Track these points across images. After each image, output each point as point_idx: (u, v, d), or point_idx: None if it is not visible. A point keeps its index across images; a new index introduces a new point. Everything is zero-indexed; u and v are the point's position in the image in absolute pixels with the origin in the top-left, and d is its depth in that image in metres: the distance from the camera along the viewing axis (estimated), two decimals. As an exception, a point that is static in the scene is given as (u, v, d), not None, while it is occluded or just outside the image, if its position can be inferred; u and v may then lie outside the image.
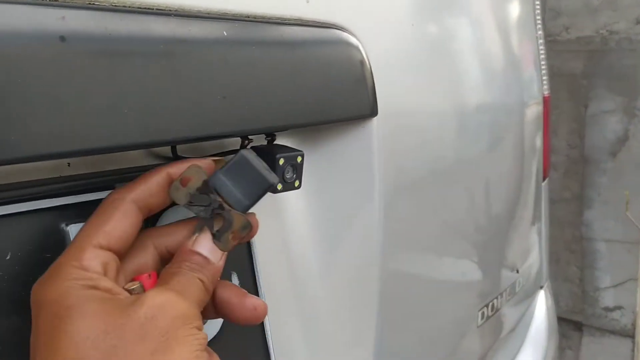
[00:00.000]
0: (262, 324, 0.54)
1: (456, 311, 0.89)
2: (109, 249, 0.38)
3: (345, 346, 0.66)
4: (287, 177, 0.53)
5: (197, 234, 0.43)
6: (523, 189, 1.18)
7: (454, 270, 0.88)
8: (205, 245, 0.42)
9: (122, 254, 0.40)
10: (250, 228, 0.44)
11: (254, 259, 0.55)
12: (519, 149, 1.14)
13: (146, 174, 0.43)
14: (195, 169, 0.43)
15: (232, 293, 0.44)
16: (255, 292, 0.55)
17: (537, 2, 1.18)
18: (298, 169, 0.53)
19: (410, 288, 0.75)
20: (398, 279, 0.71)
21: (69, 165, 0.46)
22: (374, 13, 0.65)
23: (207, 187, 0.43)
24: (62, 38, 0.36)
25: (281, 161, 0.51)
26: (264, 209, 0.58)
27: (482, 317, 0.95)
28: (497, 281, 1.03)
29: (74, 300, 0.35)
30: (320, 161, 0.62)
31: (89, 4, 0.39)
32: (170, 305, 0.36)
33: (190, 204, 0.43)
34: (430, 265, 0.81)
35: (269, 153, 0.52)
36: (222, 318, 0.45)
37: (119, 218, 0.39)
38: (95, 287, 0.36)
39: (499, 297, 1.00)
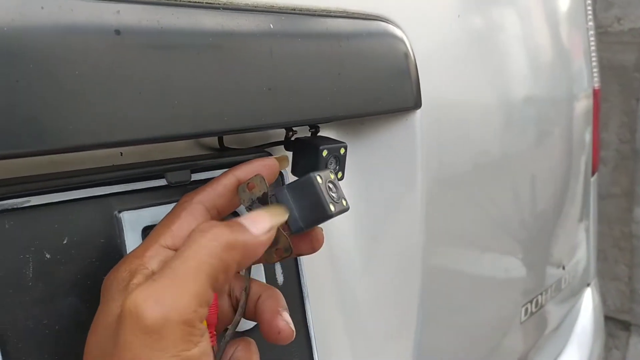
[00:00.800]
0: (305, 315, 0.54)
1: (498, 307, 0.88)
2: (174, 248, 0.39)
3: (386, 339, 0.67)
4: (331, 168, 0.53)
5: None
6: (571, 184, 1.15)
7: (497, 265, 0.87)
8: (250, 216, 0.40)
9: None
10: (290, 252, 0.44)
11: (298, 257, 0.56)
12: (567, 143, 1.12)
13: (216, 177, 0.44)
14: (259, 178, 0.44)
15: (269, 307, 0.43)
16: (298, 285, 0.55)
17: (588, -7, 1.15)
18: (341, 161, 0.54)
19: (451, 283, 0.75)
20: (440, 274, 0.71)
21: (121, 155, 0.48)
22: (419, 5, 0.65)
23: (266, 199, 0.44)
24: (117, 31, 0.38)
25: (324, 153, 0.52)
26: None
27: (526, 314, 0.93)
28: (542, 277, 1.01)
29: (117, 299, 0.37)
30: (363, 153, 0.62)
31: (142, -2, 0.40)
32: (142, 311, 0.33)
33: (249, 209, 0.44)
34: (473, 260, 0.81)
35: (312, 144, 0.52)
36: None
37: (185, 218, 0.41)
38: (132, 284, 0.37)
39: (544, 293, 0.99)
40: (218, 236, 0.37)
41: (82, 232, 0.42)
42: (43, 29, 0.35)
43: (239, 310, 0.44)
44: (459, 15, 0.72)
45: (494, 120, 0.85)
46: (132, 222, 0.45)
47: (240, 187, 0.44)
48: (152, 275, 0.37)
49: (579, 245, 1.21)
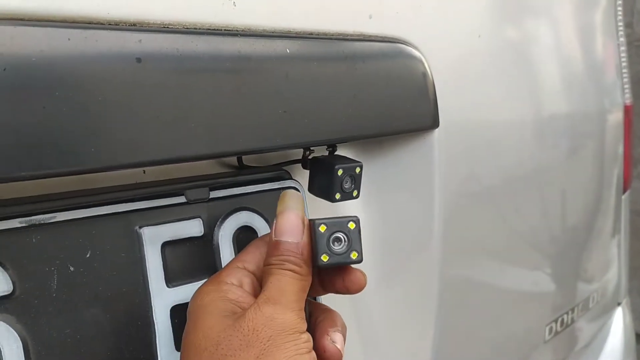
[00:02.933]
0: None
1: (521, 325, 0.88)
2: (245, 268, 0.46)
3: (401, 357, 0.67)
4: (346, 187, 0.54)
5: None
6: (602, 200, 1.13)
7: (520, 283, 0.87)
8: (282, 230, 0.44)
9: (260, 274, 0.46)
10: None
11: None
12: (598, 158, 1.10)
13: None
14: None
15: (321, 327, 0.46)
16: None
17: (619, 7, 1.13)
18: (356, 180, 0.55)
19: (470, 301, 0.75)
20: (458, 291, 0.71)
21: (144, 173, 0.50)
22: (438, 26, 0.66)
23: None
24: (139, 59, 0.40)
25: (340, 172, 0.53)
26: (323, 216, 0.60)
27: (550, 333, 0.92)
28: (569, 296, 1.00)
29: (201, 313, 0.43)
30: (381, 172, 0.63)
31: (163, 27, 0.42)
32: (266, 318, 0.41)
33: None
34: (494, 278, 0.81)
35: (328, 163, 0.54)
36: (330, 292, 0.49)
37: (251, 248, 0.48)
38: (224, 298, 0.43)
39: (570, 312, 0.97)
40: (290, 266, 0.44)
41: (104, 246, 0.45)
42: (70, 59, 0.37)
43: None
44: (479, 36, 0.72)
45: (519, 136, 0.84)
46: (152, 237, 0.47)
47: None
48: (236, 287, 0.45)
49: (609, 263, 1.19)
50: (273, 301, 0.42)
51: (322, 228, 0.44)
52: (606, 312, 1.18)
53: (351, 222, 0.45)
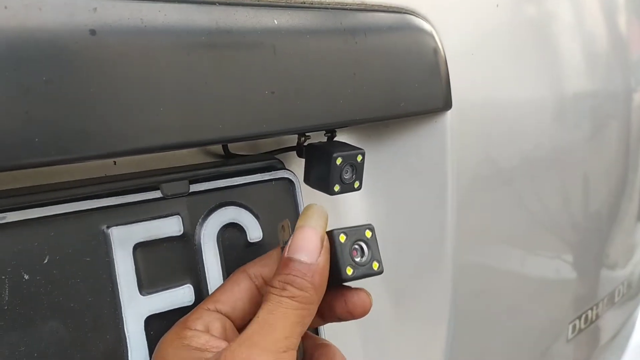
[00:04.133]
0: (317, 330, 0.50)
1: (541, 321, 0.81)
2: (216, 310, 0.41)
3: (412, 354, 0.61)
4: (346, 177, 0.48)
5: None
6: (627, 184, 1.07)
7: (540, 275, 0.80)
8: (297, 247, 0.38)
9: (237, 316, 0.41)
10: None
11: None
12: (623, 140, 1.03)
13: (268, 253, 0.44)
14: (287, 223, 0.41)
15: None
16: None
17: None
18: (358, 169, 0.49)
19: (486, 296, 0.69)
20: (473, 285, 0.65)
21: (115, 164, 0.44)
22: (450, -6, 0.59)
23: None
24: (92, 32, 0.34)
25: (339, 160, 0.47)
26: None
27: (573, 331, 0.86)
28: (593, 290, 0.93)
29: None
30: (386, 160, 0.57)
31: (124, -6, 0.36)
32: None
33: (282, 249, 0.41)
34: (512, 269, 0.74)
35: (326, 151, 0.48)
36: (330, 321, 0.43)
37: (228, 285, 0.42)
38: (187, 347, 0.38)
39: (595, 308, 0.91)
40: (291, 290, 0.37)
41: (65, 250, 0.39)
42: (7, 30, 0.31)
43: None
44: (497, 5, 0.65)
45: (540, 118, 0.78)
46: (122, 238, 0.41)
47: (279, 227, 0.42)
48: (202, 334, 0.39)
49: (636, 252, 1.12)
50: (251, 342, 0.35)
51: (342, 238, 0.39)
52: (632, 304, 1.11)
53: (367, 230, 0.41)
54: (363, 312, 0.41)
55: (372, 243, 0.41)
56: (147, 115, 0.36)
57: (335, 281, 0.40)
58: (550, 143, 0.81)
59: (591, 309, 0.89)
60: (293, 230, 0.40)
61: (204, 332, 0.39)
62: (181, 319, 0.40)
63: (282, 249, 0.40)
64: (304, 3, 0.45)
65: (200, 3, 0.39)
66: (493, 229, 0.71)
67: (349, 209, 0.56)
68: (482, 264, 0.69)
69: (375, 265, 0.41)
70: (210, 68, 0.39)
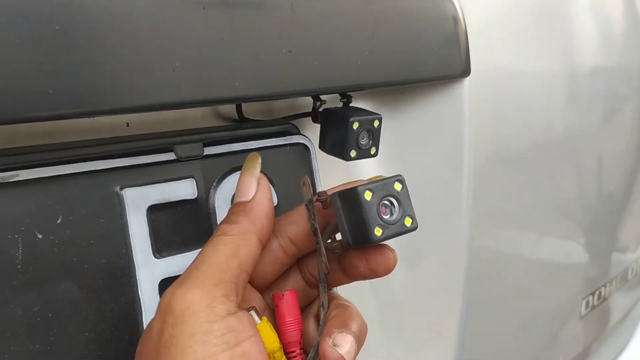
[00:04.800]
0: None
1: (555, 299, 0.81)
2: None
3: (426, 336, 0.61)
4: (362, 143, 0.47)
5: None
6: (641, 165, 1.05)
7: (554, 253, 0.79)
8: (237, 194, 0.39)
9: (257, 275, 0.40)
10: (327, 272, 0.39)
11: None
12: (638, 120, 1.02)
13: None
14: (307, 182, 0.39)
15: (327, 327, 0.38)
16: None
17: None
18: (375, 135, 0.48)
19: (501, 272, 0.68)
20: (488, 261, 0.64)
21: (127, 125, 0.43)
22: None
23: (311, 203, 0.39)
24: (107, -18, 0.33)
25: (355, 125, 0.46)
26: (337, 179, 0.53)
27: (587, 307, 0.85)
28: (606, 267, 0.92)
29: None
30: (403, 126, 0.56)
31: (139, -56, 0.35)
32: (165, 309, 0.34)
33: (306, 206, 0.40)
34: (527, 247, 0.73)
35: (341, 116, 0.47)
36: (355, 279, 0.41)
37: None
38: None
39: (608, 284, 0.90)
40: (222, 228, 0.37)
41: (79, 210, 0.38)
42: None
43: (320, 329, 0.39)
44: (517, -28, 0.63)
45: (556, 92, 0.77)
46: (136, 199, 0.40)
47: (301, 183, 0.40)
48: None
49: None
50: (179, 282, 0.34)
51: (368, 195, 0.36)
52: (644, 284, 1.10)
53: (397, 183, 0.37)
54: (386, 271, 0.39)
55: (402, 197, 0.37)
56: (162, 70, 0.35)
57: (366, 242, 0.37)
58: (565, 122, 0.80)
59: (604, 285, 0.89)
60: (311, 192, 0.39)
61: None
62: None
63: (306, 205, 0.39)
64: (322, -39, 0.44)
65: (216, -43, 0.38)
66: (507, 205, 0.70)
67: (364, 176, 0.55)
68: (497, 240, 0.68)
69: (408, 222, 0.37)
70: (227, 25, 0.38)
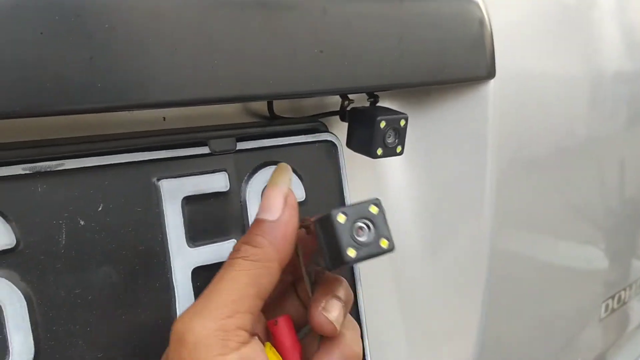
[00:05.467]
0: (357, 306, 0.50)
1: (574, 302, 0.81)
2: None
3: (446, 333, 0.62)
4: (389, 141, 0.49)
5: None
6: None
7: (575, 256, 0.80)
8: (260, 209, 0.37)
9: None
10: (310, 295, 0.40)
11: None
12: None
13: None
14: None
15: (315, 296, 0.39)
16: (351, 270, 0.51)
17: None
18: (401, 134, 0.49)
19: (522, 273, 0.69)
20: (509, 262, 0.65)
21: (164, 120, 0.45)
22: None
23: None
24: (153, -17, 0.35)
25: (382, 124, 0.47)
26: (363, 176, 0.55)
27: (606, 310, 0.85)
28: (627, 271, 0.92)
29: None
30: (428, 127, 0.57)
31: (183, -52, 0.37)
32: (183, 339, 0.34)
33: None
34: (547, 249, 0.74)
35: (369, 114, 0.48)
36: None
37: None
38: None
39: (628, 288, 0.90)
40: (244, 250, 0.36)
41: (118, 199, 0.40)
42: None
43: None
44: (544, -23, 0.64)
45: (580, 96, 0.77)
46: (172, 190, 0.42)
47: None
48: None
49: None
50: (194, 311, 0.34)
51: (341, 218, 0.36)
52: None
53: (372, 206, 0.38)
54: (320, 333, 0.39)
55: (378, 220, 0.37)
56: (203, 67, 0.37)
57: (340, 264, 0.37)
58: (587, 125, 0.80)
59: (624, 289, 0.89)
60: None
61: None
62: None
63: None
64: (354, -35, 0.45)
65: (254, -39, 0.39)
66: (529, 208, 0.70)
67: (389, 175, 0.56)
68: (518, 243, 0.69)
69: (384, 243, 0.37)
70: (263, 25, 0.39)
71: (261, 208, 0.38)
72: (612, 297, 0.87)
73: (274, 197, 0.38)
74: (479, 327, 0.61)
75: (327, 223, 0.37)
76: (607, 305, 0.85)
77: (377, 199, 0.38)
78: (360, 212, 0.37)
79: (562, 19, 0.72)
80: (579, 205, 0.79)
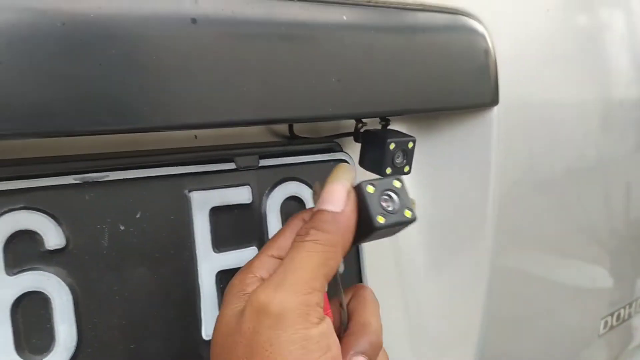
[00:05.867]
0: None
1: (574, 320, 0.84)
2: (279, 257, 0.42)
3: (448, 343, 0.66)
4: (397, 161, 0.53)
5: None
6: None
7: (576, 277, 0.83)
8: (324, 200, 0.40)
9: None
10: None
11: (359, 248, 0.57)
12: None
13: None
14: (319, 186, 0.43)
15: (345, 344, 0.40)
16: (360, 282, 0.56)
17: None
18: (409, 155, 0.53)
19: (521, 290, 0.72)
20: (509, 279, 0.69)
21: (195, 138, 0.50)
22: (503, -1, 0.63)
23: None
24: (194, 20, 0.40)
25: (392, 145, 0.52)
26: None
27: (605, 327, 0.88)
28: (628, 289, 0.95)
29: (222, 310, 0.39)
30: (435, 149, 0.61)
31: (219, -11, 0.42)
32: (261, 311, 0.36)
33: None
34: (547, 267, 0.78)
35: (380, 137, 0.53)
36: None
37: (287, 231, 0.43)
38: (244, 290, 0.40)
39: (627, 307, 0.93)
40: (314, 234, 0.39)
41: (154, 207, 0.45)
42: (127, 17, 0.37)
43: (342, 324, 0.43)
44: (548, 10, 0.69)
45: (585, 122, 0.80)
46: (201, 201, 0.47)
47: (313, 190, 0.45)
48: (261, 280, 0.40)
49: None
50: (275, 284, 0.36)
51: (370, 189, 0.40)
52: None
53: (395, 180, 0.42)
54: None
55: (401, 192, 0.41)
56: (234, 93, 0.42)
57: (369, 230, 0.41)
58: (594, 149, 0.83)
59: (624, 307, 0.92)
60: None
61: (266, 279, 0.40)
62: (247, 263, 0.42)
63: None
64: (370, 2, 0.50)
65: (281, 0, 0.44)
66: (532, 228, 0.74)
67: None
68: (519, 261, 0.72)
69: (408, 213, 0.41)
70: (287, 55, 0.44)
71: (324, 200, 0.41)
72: (612, 314, 0.90)
73: (339, 191, 0.41)
74: (479, 342, 0.65)
75: (358, 193, 0.41)
76: (606, 322, 0.88)
77: (399, 176, 0.42)
78: (386, 184, 0.41)
79: (567, 45, 0.75)
80: (579, 226, 0.83)
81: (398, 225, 0.42)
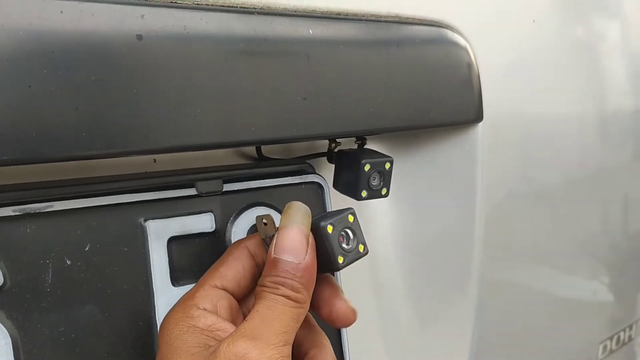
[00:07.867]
0: (340, 342, 0.51)
1: (569, 341, 0.80)
2: (223, 289, 0.41)
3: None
4: (374, 184, 0.50)
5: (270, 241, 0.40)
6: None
7: (572, 295, 0.80)
8: (283, 247, 0.39)
9: (240, 293, 0.42)
10: None
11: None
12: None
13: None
14: (271, 219, 0.42)
15: (325, 288, 0.42)
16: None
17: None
18: (386, 176, 0.50)
19: (513, 312, 0.69)
20: (499, 301, 0.65)
21: (154, 161, 0.47)
22: (486, 8, 0.60)
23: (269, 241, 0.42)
24: (139, 37, 0.36)
25: (367, 167, 0.49)
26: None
27: (604, 351, 0.84)
28: (628, 311, 0.91)
29: (167, 351, 0.37)
30: (415, 169, 0.58)
31: (170, 2, 0.39)
32: (239, 359, 0.35)
33: (264, 241, 0.42)
34: (541, 288, 0.74)
35: (355, 157, 0.49)
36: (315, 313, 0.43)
37: (230, 260, 0.42)
38: (193, 329, 0.38)
39: (628, 329, 0.89)
40: (283, 290, 0.38)
41: (105, 239, 0.42)
42: (62, 33, 0.34)
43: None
44: (534, 21, 0.65)
45: (578, 134, 0.78)
46: (158, 231, 0.44)
47: (257, 218, 0.42)
48: (206, 312, 0.39)
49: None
50: (252, 335, 0.36)
51: (330, 229, 0.40)
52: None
53: (349, 215, 0.41)
54: (343, 325, 0.42)
55: (355, 227, 0.41)
56: (187, 115, 0.38)
57: (328, 270, 0.41)
58: (590, 161, 0.80)
59: (624, 330, 0.88)
60: (275, 228, 0.41)
61: (212, 312, 0.39)
62: (187, 294, 0.40)
63: (265, 242, 0.41)
64: (339, 14, 0.47)
65: (240, 12, 0.41)
66: (524, 246, 0.71)
67: (376, 215, 0.57)
68: (509, 281, 0.69)
69: (362, 248, 0.41)
70: (247, 73, 0.41)
71: (282, 248, 0.39)
72: (611, 338, 0.86)
73: (297, 239, 0.39)
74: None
75: (316, 234, 0.40)
76: (605, 347, 0.84)
77: (351, 209, 0.42)
78: (343, 222, 0.41)
79: (556, 55, 0.73)
80: (573, 244, 0.79)
81: (354, 262, 0.41)
